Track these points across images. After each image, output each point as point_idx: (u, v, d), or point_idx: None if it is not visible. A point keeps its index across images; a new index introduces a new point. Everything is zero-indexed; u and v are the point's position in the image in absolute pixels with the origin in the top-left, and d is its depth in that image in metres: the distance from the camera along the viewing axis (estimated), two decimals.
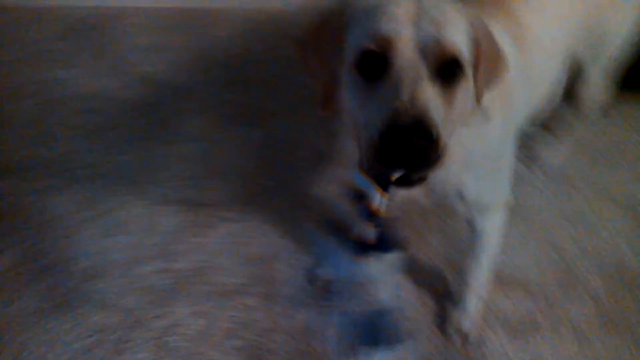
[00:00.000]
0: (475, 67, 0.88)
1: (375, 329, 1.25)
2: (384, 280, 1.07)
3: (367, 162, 0.76)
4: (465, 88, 0.85)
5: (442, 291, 1.50)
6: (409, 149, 0.71)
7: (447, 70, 0.80)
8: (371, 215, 0.84)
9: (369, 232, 1.02)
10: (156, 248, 1.64)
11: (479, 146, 1.00)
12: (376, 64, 0.79)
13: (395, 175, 0.78)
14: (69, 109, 2.08)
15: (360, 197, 0.85)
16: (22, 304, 1.52)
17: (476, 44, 0.87)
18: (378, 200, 0.81)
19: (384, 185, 0.80)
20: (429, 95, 0.76)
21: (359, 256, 1.28)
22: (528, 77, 1.19)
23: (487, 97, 0.92)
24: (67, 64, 2.23)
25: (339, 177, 1.66)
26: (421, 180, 0.77)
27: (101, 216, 1.72)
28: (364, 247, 0.97)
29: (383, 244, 0.86)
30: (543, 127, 1.91)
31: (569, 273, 1.56)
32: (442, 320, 1.44)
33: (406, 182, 0.78)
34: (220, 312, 1.49)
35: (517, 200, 1.72)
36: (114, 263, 1.60)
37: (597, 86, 1.57)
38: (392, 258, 0.82)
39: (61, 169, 1.87)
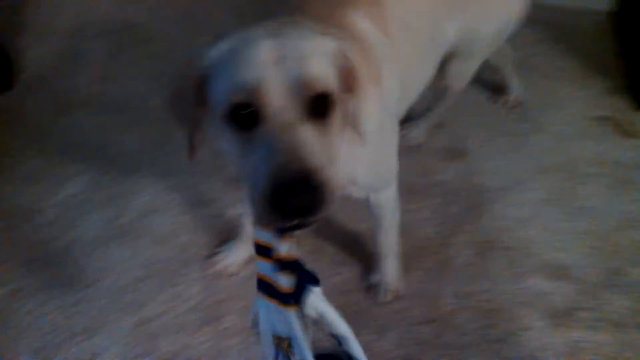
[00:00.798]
0: (350, 91, 0.86)
1: None
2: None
3: (262, 215, 0.76)
4: (339, 117, 0.83)
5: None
6: (299, 202, 0.71)
7: (318, 104, 0.78)
8: (283, 264, 0.83)
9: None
10: (216, 193, 1.68)
11: (361, 151, 0.99)
12: (248, 113, 0.77)
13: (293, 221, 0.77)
14: (140, 52, 2.11)
15: (266, 251, 0.83)
16: (84, 229, 1.61)
17: (345, 69, 0.85)
18: (286, 247, 0.81)
19: (286, 231, 0.79)
20: (306, 140, 0.75)
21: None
22: (400, 66, 1.16)
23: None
24: (144, 9, 2.27)
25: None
26: (319, 218, 0.76)
27: (165, 157, 1.77)
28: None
29: (304, 282, 0.82)
30: None
31: (617, 267, 1.54)
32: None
33: (305, 224, 0.77)
34: None
35: (579, 196, 1.71)
36: (174, 202, 1.66)
37: (464, 76, 1.59)
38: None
39: (128, 108, 1.91)
